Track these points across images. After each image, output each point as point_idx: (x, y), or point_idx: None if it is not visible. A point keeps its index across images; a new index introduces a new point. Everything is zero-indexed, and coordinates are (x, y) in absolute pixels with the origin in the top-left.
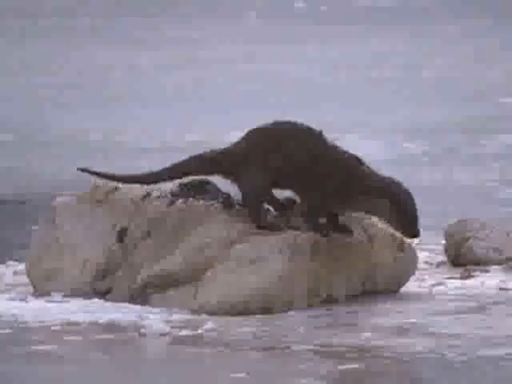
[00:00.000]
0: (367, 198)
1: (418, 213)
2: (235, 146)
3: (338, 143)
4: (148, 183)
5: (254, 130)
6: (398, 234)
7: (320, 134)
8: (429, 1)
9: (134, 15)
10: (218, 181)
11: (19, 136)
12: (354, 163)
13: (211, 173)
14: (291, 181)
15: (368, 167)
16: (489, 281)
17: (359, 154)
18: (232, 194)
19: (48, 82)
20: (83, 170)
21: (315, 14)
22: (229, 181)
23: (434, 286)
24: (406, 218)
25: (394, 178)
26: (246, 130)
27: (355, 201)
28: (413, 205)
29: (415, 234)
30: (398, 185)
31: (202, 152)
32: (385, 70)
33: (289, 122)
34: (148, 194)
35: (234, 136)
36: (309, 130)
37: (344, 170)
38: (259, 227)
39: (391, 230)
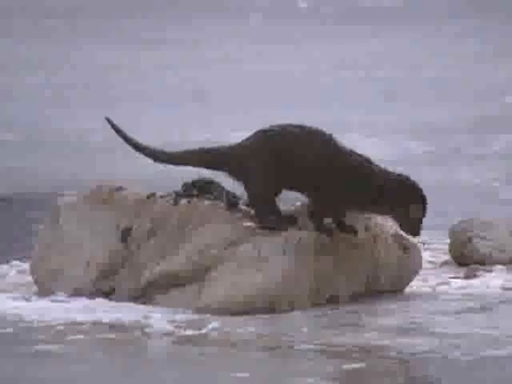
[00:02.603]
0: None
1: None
2: (243, 144)
3: (346, 144)
4: (155, 160)
5: (263, 130)
6: (403, 234)
7: (330, 136)
8: (429, 1)
9: (137, 15)
10: (222, 180)
11: (20, 136)
12: (366, 164)
13: (217, 168)
14: (300, 182)
15: (378, 166)
16: (493, 280)
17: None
18: (236, 194)
19: (49, 82)
20: (110, 121)
21: (318, 14)
22: (232, 180)
23: (437, 285)
24: (412, 217)
25: (407, 176)
26: (248, 130)
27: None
28: (420, 207)
29: (416, 233)
30: (411, 185)
31: (211, 146)
32: (386, 69)
33: (298, 125)
34: (152, 194)
35: (238, 136)
36: (319, 132)
37: (355, 172)
38: (264, 227)
39: (395, 230)
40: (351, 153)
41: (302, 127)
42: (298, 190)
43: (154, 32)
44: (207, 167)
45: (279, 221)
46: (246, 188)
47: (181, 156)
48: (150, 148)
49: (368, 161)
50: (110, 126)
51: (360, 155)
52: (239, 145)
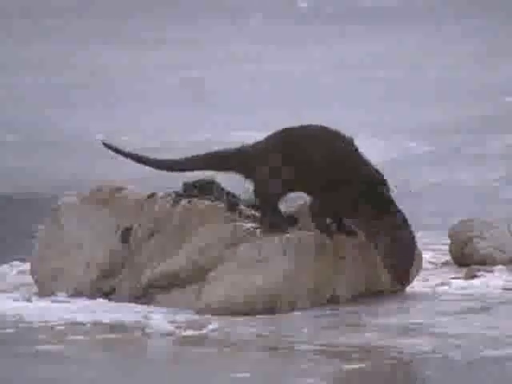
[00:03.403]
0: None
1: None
2: (256, 144)
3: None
4: (162, 169)
5: (279, 131)
6: None
7: (350, 139)
8: (429, 1)
9: (137, 15)
10: (223, 181)
11: (20, 136)
12: (378, 178)
13: (228, 169)
14: (310, 183)
15: (388, 188)
16: (493, 281)
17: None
18: (236, 194)
19: (49, 82)
20: (106, 144)
21: (318, 14)
22: (233, 181)
23: (438, 285)
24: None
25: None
26: (248, 130)
27: (366, 213)
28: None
29: (400, 278)
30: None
31: (220, 148)
32: (386, 69)
33: (316, 125)
34: (152, 194)
35: (238, 136)
36: (336, 133)
37: (364, 182)
38: (265, 227)
39: None
40: (366, 161)
41: (319, 128)
42: (305, 191)
43: (153, 32)
44: (217, 169)
45: (281, 221)
46: (255, 187)
47: (190, 161)
48: (154, 159)
49: (379, 173)
50: (110, 127)
51: (375, 168)
52: (251, 146)
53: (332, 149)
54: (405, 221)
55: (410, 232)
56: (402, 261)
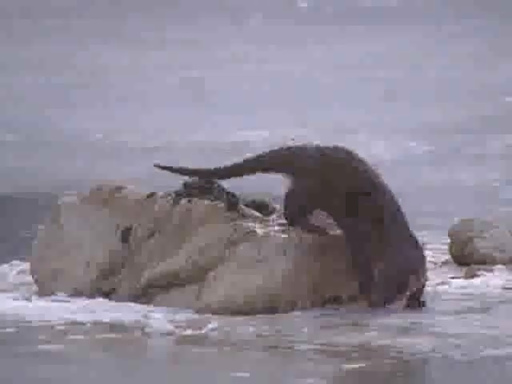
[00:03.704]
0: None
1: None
2: (300, 150)
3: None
4: (213, 177)
5: (318, 146)
6: None
7: (365, 162)
8: (429, 1)
9: (137, 15)
10: (222, 180)
11: (20, 136)
12: (395, 211)
13: (273, 170)
14: (339, 206)
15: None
16: (493, 280)
17: (363, 154)
18: (236, 194)
19: (49, 82)
20: (158, 166)
21: (318, 14)
22: (233, 181)
23: (438, 285)
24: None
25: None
26: (248, 130)
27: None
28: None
29: (374, 301)
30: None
31: (263, 151)
32: (386, 69)
33: (345, 149)
34: (152, 194)
35: (238, 136)
36: (361, 158)
37: (381, 214)
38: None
39: None
40: (387, 190)
41: (349, 153)
42: (330, 212)
43: (153, 32)
44: (264, 171)
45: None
46: (285, 200)
47: (238, 167)
48: (204, 169)
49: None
50: (110, 127)
51: (394, 200)
52: (300, 148)
53: (372, 175)
54: (410, 243)
55: (408, 258)
56: (386, 286)
